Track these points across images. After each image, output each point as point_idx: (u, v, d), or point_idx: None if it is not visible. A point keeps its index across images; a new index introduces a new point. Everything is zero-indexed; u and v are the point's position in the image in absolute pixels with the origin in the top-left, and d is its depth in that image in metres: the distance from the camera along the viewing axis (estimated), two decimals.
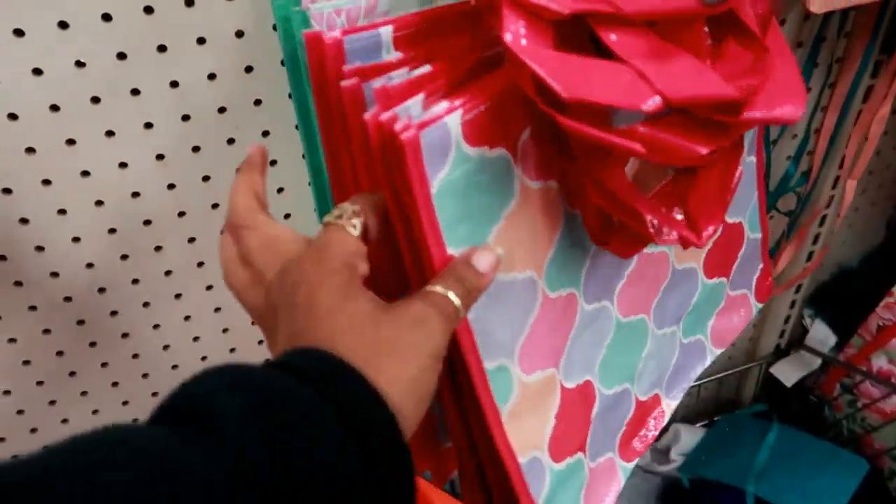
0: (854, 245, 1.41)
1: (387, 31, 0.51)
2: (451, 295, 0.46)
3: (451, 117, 0.47)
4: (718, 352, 0.83)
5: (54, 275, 0.78)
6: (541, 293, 0.57)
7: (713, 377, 1.38)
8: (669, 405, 0.79)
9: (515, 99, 0.50)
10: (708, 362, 0.82)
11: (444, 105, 0.47)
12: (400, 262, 0.50)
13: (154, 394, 0.94)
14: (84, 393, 0.89)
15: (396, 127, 0.44)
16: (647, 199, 0.53)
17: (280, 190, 0.82)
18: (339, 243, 0.46)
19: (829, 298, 1.40)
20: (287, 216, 0.85)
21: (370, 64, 0.50)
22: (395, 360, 0.43)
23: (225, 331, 0.93)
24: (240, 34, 0.71)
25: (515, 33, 0.44)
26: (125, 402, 0.93)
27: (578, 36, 0.49)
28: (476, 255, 0.48)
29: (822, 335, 1.37)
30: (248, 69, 0.73)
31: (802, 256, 1.21)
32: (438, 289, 0.46)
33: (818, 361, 1.35)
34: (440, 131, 0.46)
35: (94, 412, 0.92)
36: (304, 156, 0.76)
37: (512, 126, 0.52)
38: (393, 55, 0.52)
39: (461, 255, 0.48)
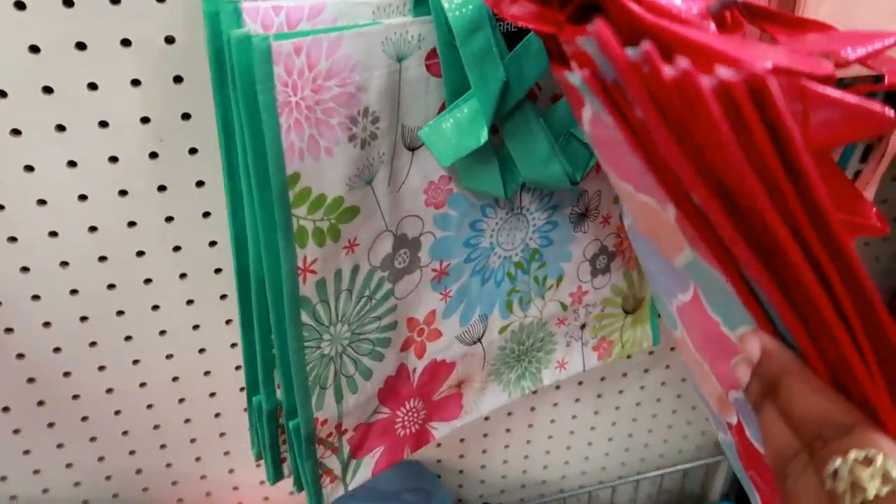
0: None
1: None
2: None
3: None
4: None
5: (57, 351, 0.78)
6: None
7: (678, 467, 1.26)
8: None
9: None
10: None
11: None
12: None
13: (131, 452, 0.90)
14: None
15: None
16: None
17: (206, 214, 0.74)
18: None
19: None
20: (213, 244, 0.76)
21: None
22: None
23: (212, 395, 0.88)
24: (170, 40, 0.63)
25: None
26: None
27: None
28: None
29: None
30: (178, 79, 0.65)
31: None
32: None
33: None
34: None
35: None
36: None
37: None
38: None
39: None
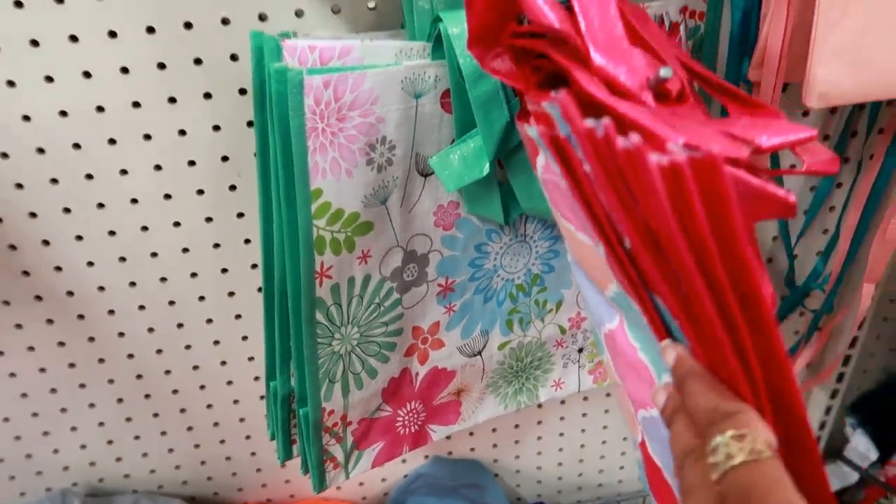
0: None
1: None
2: None
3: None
4: None
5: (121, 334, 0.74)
6: None
7: None
8: None
9: None
10: None
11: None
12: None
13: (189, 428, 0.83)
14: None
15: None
16: None
17: (241, 215, 0.68)
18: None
19: (874, 408, 1.08)
20: (247, 241, 0.70)
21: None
22: None
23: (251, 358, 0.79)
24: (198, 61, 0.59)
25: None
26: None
27: None
28: None
29: (863, 448, 1.05)
30: (207, 95, 0.61)
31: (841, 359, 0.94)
32: None
33: (856, 476, 1.04)
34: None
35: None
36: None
37: None
38: None
39: None
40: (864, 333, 0.93)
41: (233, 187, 0.66)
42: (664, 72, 0.34)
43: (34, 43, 0.56)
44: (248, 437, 0.85)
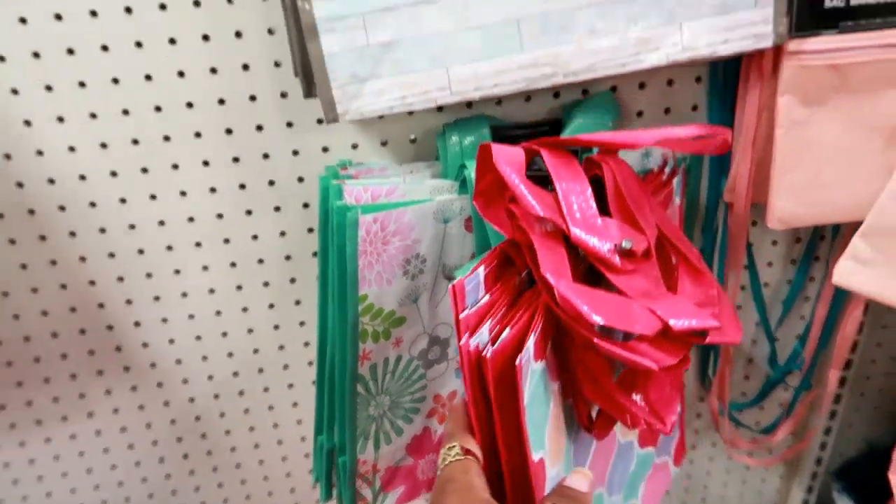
0: (882, 423, 1.17)
1: (481, 271, 0.51)
2: None
3: (529, 339, 0.47)
4: None
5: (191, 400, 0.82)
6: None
7: None
8: None
9: (548, 317, 0.49)
10: None
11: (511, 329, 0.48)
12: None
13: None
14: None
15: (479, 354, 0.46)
16: (627, 394, 0.52)
17: (297, 302, 0.81)
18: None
19: (856, 475, 1.16)
20: (302, 324, 0.83)
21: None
22: None
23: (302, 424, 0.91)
24: (272, 182, 0.73)
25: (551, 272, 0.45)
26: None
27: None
28: (574, 479, 0.48)
29: None
30: (277, 208, 0.75)
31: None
32: None
33: None
34: (527, 354, 0.46)
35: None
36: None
37: (546, 340, 0.51)
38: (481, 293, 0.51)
39: (562, 480, 0.48)
40: (843, 406, 1.04)
41: (293, 280, 0.79)
42: (626, 243, 0.46)
43: (144, 170, 0.71)
44: (292, 490, 0.97)
